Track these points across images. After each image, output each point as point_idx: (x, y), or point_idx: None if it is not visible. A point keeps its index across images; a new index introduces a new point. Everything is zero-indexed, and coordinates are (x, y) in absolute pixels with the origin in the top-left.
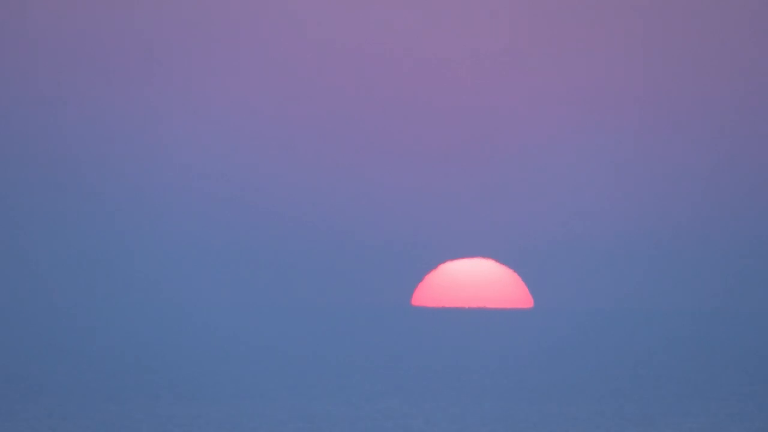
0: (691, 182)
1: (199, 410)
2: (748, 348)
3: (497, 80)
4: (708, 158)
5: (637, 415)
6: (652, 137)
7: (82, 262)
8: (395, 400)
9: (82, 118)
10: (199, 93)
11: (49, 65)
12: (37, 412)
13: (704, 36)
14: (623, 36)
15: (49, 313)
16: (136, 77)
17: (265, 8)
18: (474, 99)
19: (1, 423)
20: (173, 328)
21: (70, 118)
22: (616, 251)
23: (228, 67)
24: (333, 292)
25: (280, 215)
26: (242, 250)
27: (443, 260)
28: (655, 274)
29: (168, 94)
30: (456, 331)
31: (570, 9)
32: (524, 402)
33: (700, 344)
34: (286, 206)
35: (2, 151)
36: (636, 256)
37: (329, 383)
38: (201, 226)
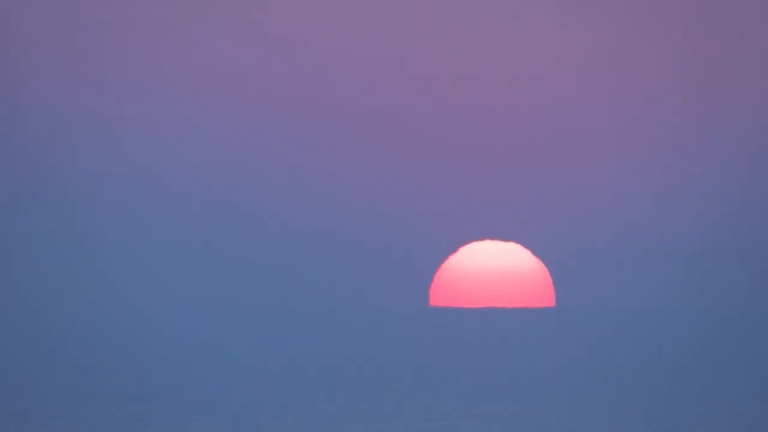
0: (734, 185)
1: (216, 412)
2: None
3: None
4: (753, 163)
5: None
6: (701, 137)
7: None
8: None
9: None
10: (200, 90)
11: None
12: None
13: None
14: (644, 35)
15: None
16: (126, 74)
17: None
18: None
19: None
20: (190, 331)
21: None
22: (652, 252)
23: (230, 63)
24: (341, 295)
25: (283, 216)
26: (243, 254)
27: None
28: (690, 276)
29: (164, 90)
30: (479, 336)
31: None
32: (555, 406)
33: (736, 345)
34: (289, 207)
35: None
36: (671, 258)
37: (373, 391)
38: (210, 229)
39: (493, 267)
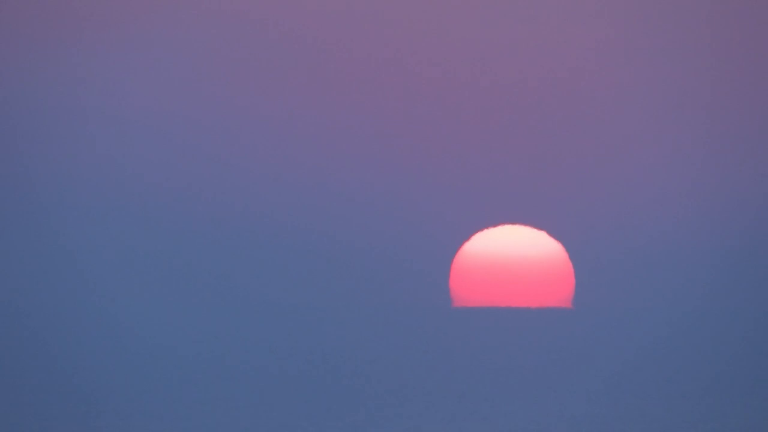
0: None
1: (225, 416)
2: None
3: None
4: None
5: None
6: (742, 138)
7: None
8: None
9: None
10: (203, 88)
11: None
12: None
13: None
14: (683, 24)
15: None
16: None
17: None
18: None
19: None
20: (201, 334)
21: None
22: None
23: (228, 59)
24: (358, 296)
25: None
26: (246, 257)
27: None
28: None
29: (159, 88)
30: (503, 338)
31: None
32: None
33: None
34: (289, 207)
35: None
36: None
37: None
38: (220, 230)
39: (514, 259)
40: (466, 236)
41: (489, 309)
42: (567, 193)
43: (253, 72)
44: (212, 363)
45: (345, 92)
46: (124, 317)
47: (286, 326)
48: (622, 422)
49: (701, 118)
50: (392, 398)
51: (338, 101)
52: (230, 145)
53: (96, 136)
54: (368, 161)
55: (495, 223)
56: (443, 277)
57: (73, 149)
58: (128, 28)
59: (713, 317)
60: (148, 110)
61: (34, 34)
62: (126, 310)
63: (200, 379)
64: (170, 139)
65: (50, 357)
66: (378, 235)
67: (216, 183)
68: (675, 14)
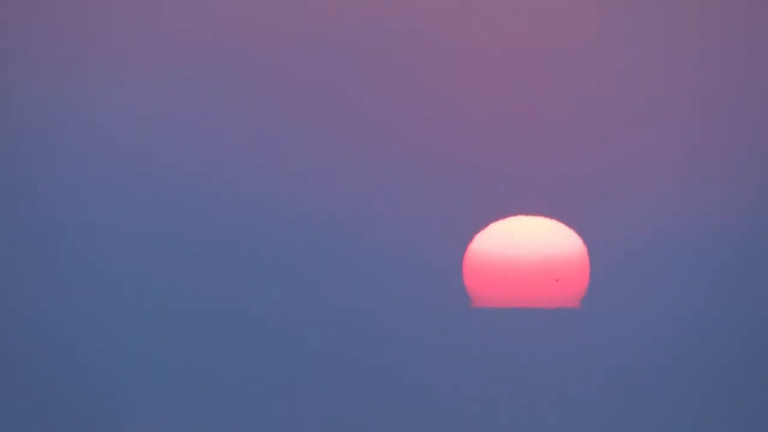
0: None
1: (233, 421)
2: None
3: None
4: None
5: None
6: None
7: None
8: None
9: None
10: (205, 88)
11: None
12: None
13: None
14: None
15: None
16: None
17: None
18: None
19: None
20: (210, 337)
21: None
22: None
23: (232, 53)
24: (362, 296)
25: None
26: (245, 259)
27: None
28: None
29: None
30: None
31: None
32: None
33: None
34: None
35: None
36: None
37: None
38: (222, 229)
39: (529, 255)
40: (477, 229)
41: (506, 310)
42: (583, 184)
43: (254, 69)
44: (218, 364)
45: (344, 89)
46: (122, 317)
47: (289, 328)
48: (635, 424)
49: (743, 109)
50: (403, 400)
51: (339, 99)
52: (237, 143)
53: (92, 135)
54: (369, 159)
55: (508, 214)
56: (457, 274)
57: (72, 148)
58: (127, 28)
59: (739, 319)
60: (146, 109)
61: (32, 34)
62: (124, 310)
63: (206, 381)
64: (168, 138)
65: (48, 356)
66: (384, 232)
67: (224, 180)
68: None
